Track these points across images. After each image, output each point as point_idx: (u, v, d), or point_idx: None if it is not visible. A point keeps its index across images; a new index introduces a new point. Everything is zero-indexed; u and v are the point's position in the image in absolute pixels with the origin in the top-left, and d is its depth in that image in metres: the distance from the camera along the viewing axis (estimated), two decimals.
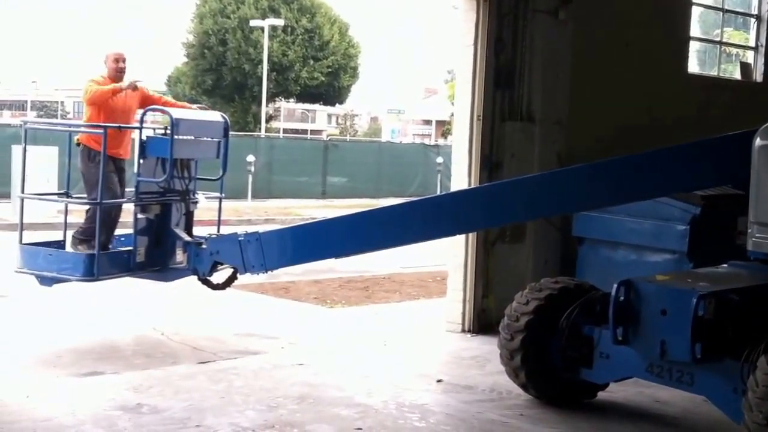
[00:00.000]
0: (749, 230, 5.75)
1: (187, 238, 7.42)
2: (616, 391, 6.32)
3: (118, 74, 7.59)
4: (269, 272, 6.97)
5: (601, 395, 6.28)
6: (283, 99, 50.19)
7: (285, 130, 57.05)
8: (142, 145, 7.33)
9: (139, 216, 7.39)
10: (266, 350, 7.55)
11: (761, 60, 11.13)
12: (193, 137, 7.66)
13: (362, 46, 48.22)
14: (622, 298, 5.50)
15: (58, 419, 5.53)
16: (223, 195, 8.16)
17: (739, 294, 5.37)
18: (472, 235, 8.32)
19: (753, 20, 11.23)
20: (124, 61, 7.66)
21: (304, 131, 66.51)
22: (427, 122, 70.28)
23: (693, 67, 10.48)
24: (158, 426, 5.47)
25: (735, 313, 5.29)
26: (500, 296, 7.96)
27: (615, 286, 5.53)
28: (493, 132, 8.46)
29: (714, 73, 11.35)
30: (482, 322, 8.37)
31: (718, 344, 5.23)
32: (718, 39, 11.35)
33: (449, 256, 8.60)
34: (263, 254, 6.72)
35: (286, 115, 65.46)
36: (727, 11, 11.30)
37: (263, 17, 42.27)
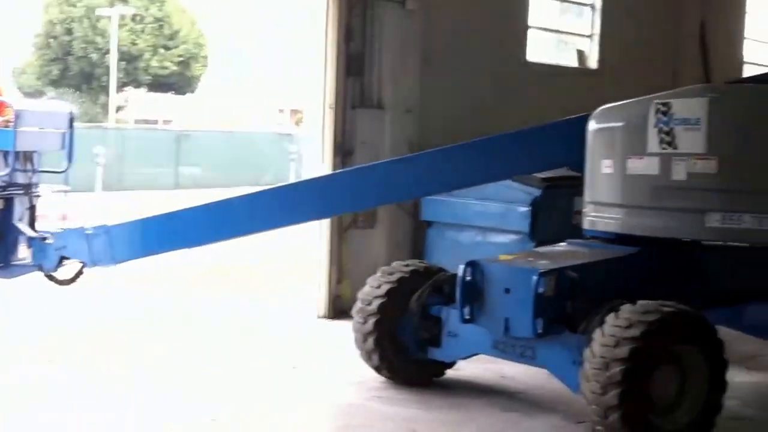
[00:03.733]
0: (584, 210, 6.08)
1: (32, 233, 7.16)
2: (465, 369, 6.53)
3: None
4: (119, 265, 6.83)
5: (452, 373, 6.48)
6: (133, 88, 48.97)
7: (136, 120, 55.60)
8: None
9: None
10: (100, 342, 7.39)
11: (596, 48, 11.67)
12: (36, 128, 7.41)
13: (217, 34, 47.55)
14: (468, 278, 5.73)
15: None
16: (70, 188, 7.92)
17: (576, 270, 5.66)
18: (325, 222, 8.42)
19: (588, 9, 11.75)
20: None
21: (156, 121, 64.91)
22: (282, 110, 69.86)
23: (534, 54, 10.87)
24: None
25: (573, 289, 5.57)
26: (354, 281, 8.07)
27: (461, 267, 5.74)
28: (344, 120, 8.57)
29: (553, 61, 11.80)
30: (337, 308, 8.48)
31: (558, 319, 5.51)
32: (556, 28, 11.79)
33: (304, 243, 8.67)
34: (112, 247, 6.58)
35: (137, 105, 63.70)
36: (565, 0, 11.77)
37: (111, 5, 41.08)
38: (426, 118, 9.14)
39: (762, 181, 5.45)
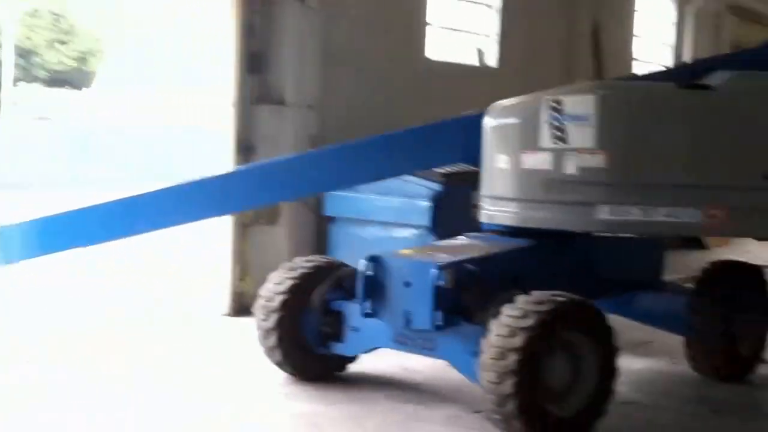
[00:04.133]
0: (481, 203, 6.22)
1: None
2: (367, 363, 6.61)
3: None
4: (11, 265, 6.68)
5: (354, 367, 6.56)
6: (29, 84, 47.60)
7: (32, 117, 54.03)
8: None
9: None
10: None
11: (495, 47, 11.91)
12: None
13: (118, 28, 46.50)
14: (369, 273, 5.80)
15: None
16: None
17: (474, 263, 5.78)
18: (228, 219, 8.40)
19: (487, 9, 11.96)
20: None
21: (51, 117, 63.16)
22: (185, 106, 68.85)
23: (434, 53, 11.01)
24: None
25: (471, 281, 5.69)
26: (257, 278, 8.06)
27: (362, 261, 5.82)
28: (246, 116, 8.57)
29: (453, 59, 11.98)
30: (240, 305, 8.46)
31: (456, 311, 5.63)
32: (455, 27, 11.97)
33: (206, 240, 8.63)
34: (5, 247, 6.44)
35: (34, 101, 61.92)
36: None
37: None
38: (328, 115, 9.19)
39: (648, 174, 5.66)
